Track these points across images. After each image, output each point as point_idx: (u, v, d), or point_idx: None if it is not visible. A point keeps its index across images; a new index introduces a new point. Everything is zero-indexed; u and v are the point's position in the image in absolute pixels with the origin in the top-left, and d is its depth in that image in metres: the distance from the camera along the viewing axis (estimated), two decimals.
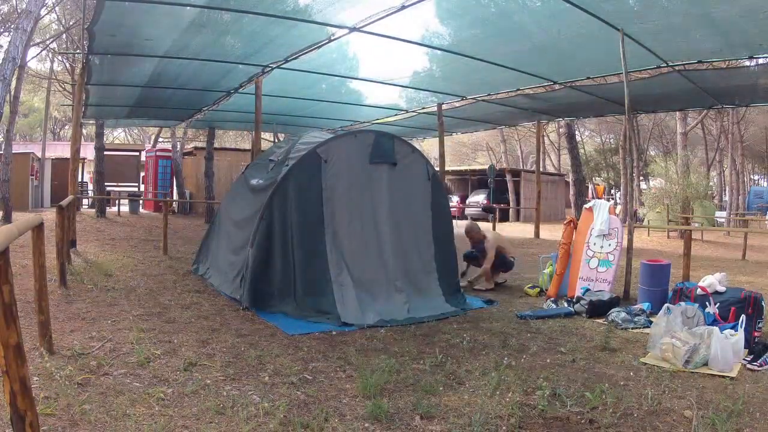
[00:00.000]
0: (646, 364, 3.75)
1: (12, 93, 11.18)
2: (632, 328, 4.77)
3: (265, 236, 5.08)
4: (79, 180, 13.96)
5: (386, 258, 5.30)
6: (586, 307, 5.26)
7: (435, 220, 5.77)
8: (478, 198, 24.36)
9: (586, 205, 6.59)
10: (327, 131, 14.12)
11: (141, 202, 18.37)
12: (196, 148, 21.83)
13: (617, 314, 4.99)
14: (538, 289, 6.39)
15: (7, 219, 10.71)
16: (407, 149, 5.79)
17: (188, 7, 6.18)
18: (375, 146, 5.41)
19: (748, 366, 3.71)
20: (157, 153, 20.28)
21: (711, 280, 4.75)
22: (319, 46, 7.61)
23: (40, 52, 17.93)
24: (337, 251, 5.09)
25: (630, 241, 6.41)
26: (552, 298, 5.87)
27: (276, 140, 19.46)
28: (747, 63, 8.21)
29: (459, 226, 6.71)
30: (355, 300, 4.88)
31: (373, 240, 5.29)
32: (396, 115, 13.36)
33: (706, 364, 3.66)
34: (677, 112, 17.48)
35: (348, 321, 4.67)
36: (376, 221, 5.33)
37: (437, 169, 14.12)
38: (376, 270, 5.23)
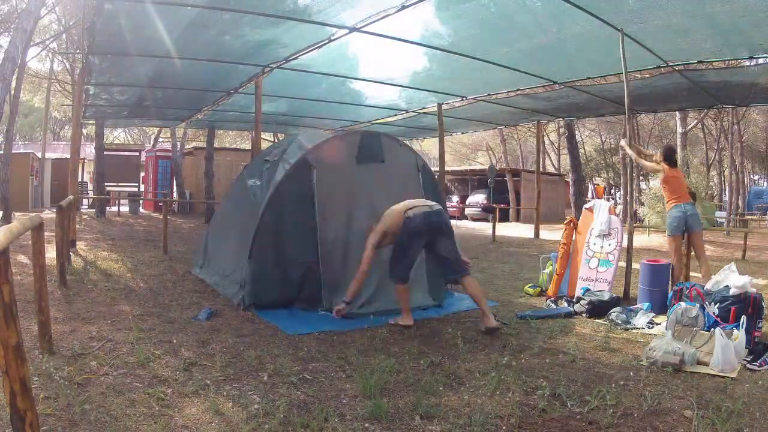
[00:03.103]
0: (644, 364, 3.75)
1: (12, 93, 11.17)
2: (632, 329, 4.77)
3: (261, 245, 5.17)
4: (79, 180, 13.97)
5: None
6: (586, 307, 5.26)
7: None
8: (478, 198, 24.36)
9: (586, 205, 6.60)
10: (326, 131, 14.16)
11: (141, 202, 18.37)
12: (196, 148, 21.84)
13: (617, 314, 4.99)
14: (538, 289, 6.39)
15: (7, 219, 10.71)
16: (395, 144, 5.92)
17: (188, 7, 6.18)
18: (361, 146, 5.56)
19: (748, 366, 3.71)
20: (157, 153, 20.28)
21: (744, 281, 4.51)
22: (319, 46, 7.60)
23: (40, 52, 17.91)
24: (328, 254, 5.24)
25: (630, 241, 6.41)
26: (552, 298, 5.87)
27: (276, 140, 19.48)
28: (747, 63, 8.21)
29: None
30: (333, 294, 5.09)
31: (363, 239, 5.37)
32: (396, 115, 13.36)
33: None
34: (677, 112, 17.49)
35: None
36: (366, 221, 5.41)
37: (437, 169, 14.17)
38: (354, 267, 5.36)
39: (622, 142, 6.41)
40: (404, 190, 5.71)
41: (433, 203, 4.90)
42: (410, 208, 4.71)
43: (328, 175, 5.35)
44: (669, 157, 6.05)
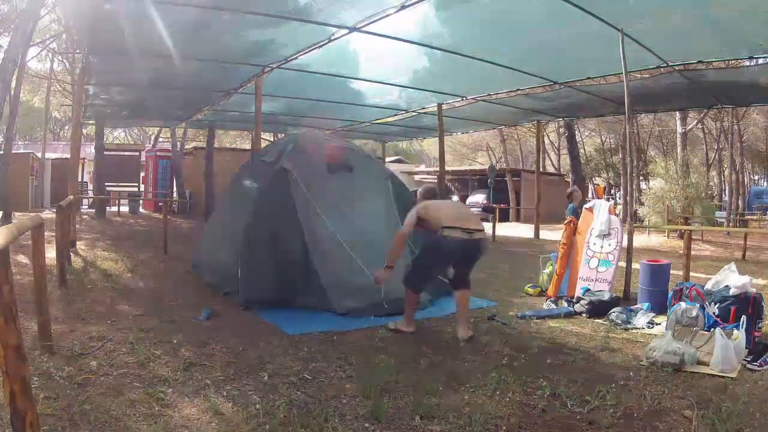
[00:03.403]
0: (644, 364, 3.75)
1: (12, 93, 11.17)
2: (632, 329, 4.77)
3: (255, 245, 5.28)
4: (79, 180, 13.97)
5: (357, 253, 5.51)
6: (586, 307, 5.26)
7: (401, 214, 5.90)
8: (478, 198, 24.37)
9: (586, 205, 6.59)
10: (326, 131, 14.19)
11: (141, 202, 18.36)
12: (196, 148, 21.81)
13: (617, 314, 4.99)
14: (539, 289, 6.39)
15: (7, 219, 10.71)
16: (361, 156, 6.25)
17: (189, 8, 6.18)
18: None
19: (748, 366, 3.71)
20: (157, 153, 20.25)
21: (744, 281, 4.53)
22: (319, 46, 7.60)
23: (40, 52, 17.88)
24: (312, 253, 5.36)
25: (630, 241, 6.41)
26: (552, 298, 5.87)
27: (275, 140, 19.46)
28: (747, 63, 8.20)
29: None
30: (331, 293, 5.16)
31: (344, 239, 5.51)
32: (396, 115, 13.36)
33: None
34: (677, 112, 17.48)
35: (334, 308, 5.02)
36: (345, 222, 5.57)
37: (437, 169, 14.15)
38: (348, 265, 5.44)
39: None
40: (375, 197, 5.99)
41: (476, 229, 4.42)
42: (450, 227, 4.31)
43: (304, 181, 5.56)
44: None
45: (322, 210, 5.50)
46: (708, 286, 4.82)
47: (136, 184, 19.55)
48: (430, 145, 30.36)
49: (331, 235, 5.40)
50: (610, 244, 5.97)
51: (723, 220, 19.06)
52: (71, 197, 7.64)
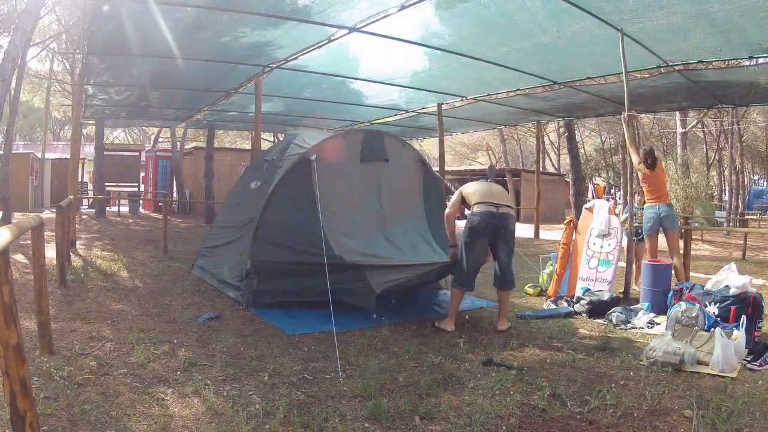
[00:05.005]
0: (644, 364, 3.75)
1: (12, 93, 11.16)
2: (632, 329, 4.77)
3: (261, 244, 5.18)
4: (79, 180, 13.96)
5: (370, 245, 5.40)
6: (586, 307, 5.27)
7: (427, 208, 5.96)
8: None
9: (586, 205, 6.60)
10: (326, 131, 14.19)
11: (140, 202, 18.37)
12: (196, 148, 21.81)
13: (617, 314, 4.99)
14: (538, 289, 6.39)
15: (7, 219, 10.70)
16: (398, 144, 5.98)
17: (188, 8, 6.17)
18: (365, 145, 5.57)
19: (748, 366, 3.71)
20: (157, 153, 20.26)
21: (744, 281, 4.55)
22: (319, 46, 7.60)
23: (40, 52, 17.88)
24: (330, 252, 5.14)
25: (630, 241, 6.41)
26: (552, 298, 5.87)
27: (276, 140, 19.46)
28: (747, 63, 8.19)
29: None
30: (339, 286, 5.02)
31: (367, 235, 5.39)
32: (396, 115, 13.35)
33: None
34: (677, 112, 17.47)
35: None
36: (370, 218, 5.45)
37: (437, 169, 14.18)
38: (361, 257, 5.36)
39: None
40: (406, 191, 5.82)
41: (504, 204, 4.78)
42: (480, 203, 4.66)
43: (329, 172, 5.30)
44: (645, 159, 6.17)
45: (342, 205, 5.29)
46: (708, 286, 4.82)
47: (136, 184, 19.55)
48: (430, 145, 30.34)
49: (346, 232, 5.24)
50: (609, 244, 5.97)
51: (723, 220, 19.06)
52: (71, 197, 7.64)
